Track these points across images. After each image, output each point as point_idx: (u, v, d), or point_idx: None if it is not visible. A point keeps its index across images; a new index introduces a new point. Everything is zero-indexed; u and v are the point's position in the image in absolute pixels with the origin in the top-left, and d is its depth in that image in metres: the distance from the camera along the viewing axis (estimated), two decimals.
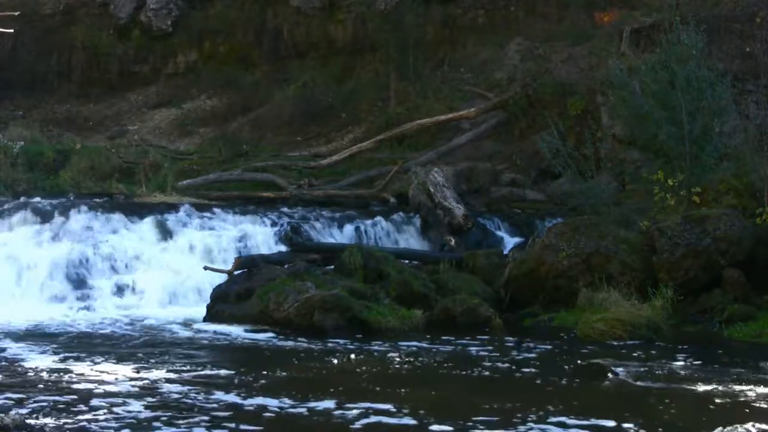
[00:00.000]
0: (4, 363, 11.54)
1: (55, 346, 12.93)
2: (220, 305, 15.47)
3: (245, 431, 8.61)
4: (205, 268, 16.64)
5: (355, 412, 9.18)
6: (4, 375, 10.79)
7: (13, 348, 12.67)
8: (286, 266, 16.49)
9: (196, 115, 29.57)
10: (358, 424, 8.81)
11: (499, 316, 14.95)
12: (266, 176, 23.42)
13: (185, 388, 10.19)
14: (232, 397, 9.77)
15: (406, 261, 17.09)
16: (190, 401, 9.64)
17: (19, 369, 11.18)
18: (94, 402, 9.48)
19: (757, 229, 15.46)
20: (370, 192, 22.17)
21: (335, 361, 11.94)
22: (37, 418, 8.68)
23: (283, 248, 17.96)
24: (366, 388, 10.42)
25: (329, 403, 9.51)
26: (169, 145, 27.83)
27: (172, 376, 10.87)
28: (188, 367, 11.42)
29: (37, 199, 20.27)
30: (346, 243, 17.88)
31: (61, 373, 10.93)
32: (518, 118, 24.02)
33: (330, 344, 13.17)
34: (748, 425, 8.62)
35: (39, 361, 11.74)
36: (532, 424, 8.83)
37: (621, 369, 11.40)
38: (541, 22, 28.19)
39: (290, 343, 13.34)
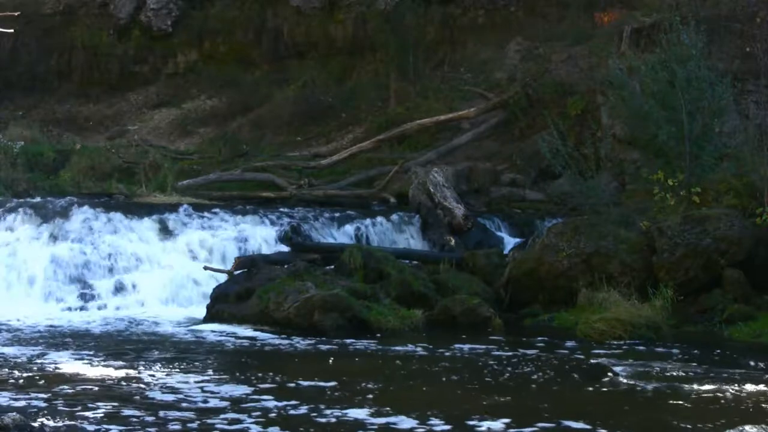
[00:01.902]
0: (3, 362, 11.54)
1: (55, 345, 12.93)
2: (220, 305, 15.46)
3: None
4: (205, 268, 16.65)
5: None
6: (4, 374, 10.79)
7: (12, 348, 12.68)
8: (286, 266, 16.48)
9: (196, 115, 29.55)
10: None
11: (499, 316, 14.95)
12: (266, 176, 23.41)
13: (210, 393, 10.12)
14: (356, 412, 9.33)
15: (406, 261, 17.09)
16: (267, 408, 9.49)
17: (19, 368, 11.17)
18: (94, 402, 9.47)
19: (757, 229, 15.45)
20: (370, 192, 22.16)
21: (375, 364, 11.87)
22: (37, 418, 8.67)
23: (283, 248, 17.96)
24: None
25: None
26: (169, 145, 27.80)
27: (181, 377, 10.82)
28: (197, 369, 11.38)
29: (38, 199, 20.27)
30: (346, 243, 17.88)
31: (61, 373, 10.94)
32: (518, 118, 24.00)
33: (345, 345, 13.17)
34: (752, 426, 8.63)
35: (39, 360, 11.75)
36: (532, 424, 8.83)
37: (621, 369, 11.40)
38: (541, 22, 28.15)
39: (309, 345, 13.23)
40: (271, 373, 11.10)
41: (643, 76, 17.72)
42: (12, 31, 20.41)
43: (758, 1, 20.33)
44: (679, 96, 16.51)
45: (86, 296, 16.69)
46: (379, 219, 19.30)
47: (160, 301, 16.76)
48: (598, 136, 20.80)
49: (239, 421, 8.93)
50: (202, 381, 10.66)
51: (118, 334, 14.29)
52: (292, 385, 10.57)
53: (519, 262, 16.35)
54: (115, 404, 9.41)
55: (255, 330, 14.32)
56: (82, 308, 16.35)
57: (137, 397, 9.77)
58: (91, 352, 12.38)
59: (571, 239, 15.85)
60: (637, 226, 16.16)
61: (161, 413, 9.07)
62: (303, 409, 9.39)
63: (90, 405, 9.32)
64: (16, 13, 18.68)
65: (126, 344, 13.26)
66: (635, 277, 15.31)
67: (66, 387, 10.17)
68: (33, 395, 9.72)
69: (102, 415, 8.97)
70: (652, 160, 17.72)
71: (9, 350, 12.47)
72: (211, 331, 14.38)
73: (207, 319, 15.30)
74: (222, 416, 9.11)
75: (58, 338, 13.65)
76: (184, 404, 9.52)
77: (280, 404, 9.57)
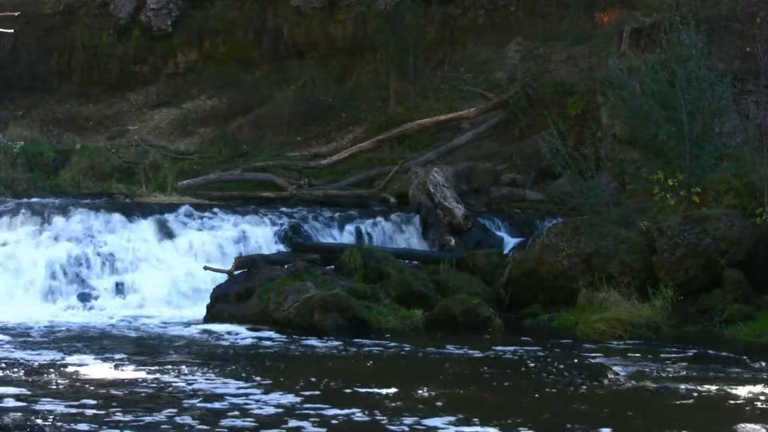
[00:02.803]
0: (4, 363, 11.53)
1: (54, 346, 12.92)
2: (220, 305, 15.46)
3: None
4: (205, 268, 16.64)
5: None
6: (4, 374, 10.78)
7: (13, 348, 12.66)
8: (286, 266, 16.48)
9: (196, 115, 29.55)
10: None
11: (499, 316, 14.95)
12: (266, 176, 23.42)
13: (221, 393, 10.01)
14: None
15: (406, 261, 17.09)
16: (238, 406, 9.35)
17: (20, 369, 11.16)
18: (94, 402, 9.45)
19: (757, 229, 15.45)
20: (370, 192, 22.16)
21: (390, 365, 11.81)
22: (37, 418, 8.66)
23: (283, 248, 17.96)
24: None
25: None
26: (169, 145, 27.81)
27: (221, 382, 10.59)
28: (232, 374, 11.20)
29: (38, 199, 20.26)
30: (346, 243, 17.88)
31: (62, 373, 10.92)
32: (518, 118, 24.00)
33: (369, 346, 13.07)
34: (752, 426, 8.63)
35: (40, 361, 11.73)
36: (531, 424, 8.82)
37: (621, 369, 11.40)
38: (541, 22, 28.17)
39: (333, 346, 13.07)
40: (313, 378, 10.68)
41: (643, 76, 17.72)
42: (12, 31, 20.43)
43: (758, 1, 20.34)
44: (679, 96, 16.51)
45: (86, 296, 16.68)
46: (379, 219, 19.30)
47: (160, 301, 16.75)
48: (598, 136, 20.80)
49: (301, 430, 8.54)
50: (245, 387, 10.28)
51: (124, 334, 14.24)
52: (349, 390, 10.15)
53: (519, 262, 16.35)
54: (166, 411, 9.09)
55: (260, 330, 14.27)
56: (82, 308, 16.34)
57: (185, 405, 9.41)
58: (89, 353, 12.33)
59: (571, 239, 15.85)
60: (637, 226, 16.17)
61: (220, 422, 8.77)
62: (369, 417, 8.93)
63: (89, 405, 9.24)
64: (16, 13, 18.69)
65: (124, 345, 13.20)
66: (635, 277, 15.31)
67: (65, 387, 10.13)
68: (33, 395, 9.67)
69: (154, 422, 8.81)
70: (652, 160, 17.72)
71: (8, 351, 12.44)
72: (214, 331, 14.34)
73: (207, 319, 15.30)
74: (283, 426, 8.64)
75: (57, 339, 13.61)
76: (235, 411, 9.14)
77: (341, 411, 9.11)
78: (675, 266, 15.21)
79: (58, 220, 18.20)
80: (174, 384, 10.44)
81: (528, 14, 28.79)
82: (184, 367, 11.37)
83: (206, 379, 10.71)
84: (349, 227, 18.99)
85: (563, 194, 20.01)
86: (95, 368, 11.25)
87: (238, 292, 15.53)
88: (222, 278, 16.40)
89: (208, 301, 15.79)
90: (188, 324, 15.09)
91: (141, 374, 10.90)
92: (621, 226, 16.18)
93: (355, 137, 26.11)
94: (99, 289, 16.87)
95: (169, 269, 17.42)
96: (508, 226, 19.66)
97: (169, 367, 11.38)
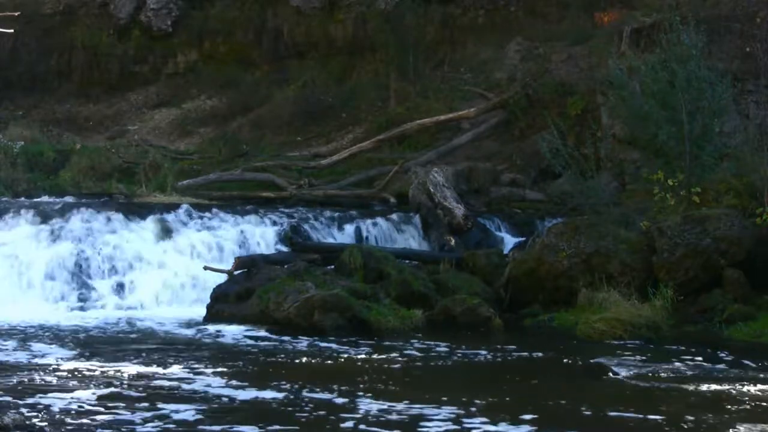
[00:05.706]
0: (4, 363, 11.52)
1: (55, 346, 12.91)
2: (220, 305, 15.46)
3: None
4: (205, 268, 16.63)
5: None
6: (5, 374, 10.77)
7: (14, 348, 12.66)
8: (286, 266, 16.49)
9: (196, 115, 29.58)
10: None
11: (499, 316, 14.95)
12: (266, 176, 23.44)
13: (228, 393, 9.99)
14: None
15: (406, 261, 17.09)
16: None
17: (20, 369, 11.16)
18: (95, 402, 9.45)
19: (757, 229, 15.44)
20: (370, 192, 22.17)
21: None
22: (37, 418, 8.66)
23: (283, 248, 17.96)
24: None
25: None
26: (169, 145, 27.84)
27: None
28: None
29: (38, 198, 20.26)
30: (346, 243, 17.88)
31: (61, 373, 10.91)
32: (518, 118, 24.02)
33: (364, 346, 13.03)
34: (752, 426, 8.62)
35: (39, 360, 11.73)
36: (531, 424, 8.82)
37: (621, 369, 11.40)
38: (541, 22, 28.20)
39: (331, 346, 13.00)
40: (431, 388, 10.21)
41: (643, 76, 17.72)
42: (12, 31, 20.39)
43: (758, 1, 20.35)
44: (679, 96, 16.50)
45: (86, 297, 16.66)
46: (379, 219, 19.30)
47: (160, 301, 16.74)
48: (598, 136, 20.82)
49: None
50: (357, 397, 9.78)
51: (117, 334, 14.23)
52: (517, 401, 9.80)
53: (519, 262, 16.34)
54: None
55: (258, 330, 14.25)
56: (81, 309, 16.33)
57: (259, 414, 9.15)
58: (89, 353, 12.28)
59: (571, 239, 15.84)
60: (637, 226, 16.16)
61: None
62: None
63: (89, 405, 9.23)
64: (16, 13, 18.67)
65: (124, 345, 13.16)
66: (635, 277, 15.30)
67: (65, 387, 10.11)
68: (33, 395, 9.64)
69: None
70: (652, 160, 17.72)
71: (9, 351, 12.44)
72: (215, 331, 14.30)
73: (207, 320, 15.28)
74: None
75: (57, 339, 13.57)
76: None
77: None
78: (675, 266, 15.20)
79: (58, 220, 18.19)
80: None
81: (528, 14, 28.83)
82: (235, 377, 10.83)
83: (114, 367, 10.43)
84: (349, 227, 18.99)
85: (563, 194, 20.02)
86: (122, 368, 11.16)
87: (238, 292, 15.53)
88: (222, 278, 16.39)
89: (207, 301, 15.79)
90: (189, 324, 15.06)
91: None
92: (621, 226, 16.18)
93: (355, 137, 26.14)
94: (99, 289, 16.86)
95: (169, 269, 17.41)
96: (508, 226, 19.67)
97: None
